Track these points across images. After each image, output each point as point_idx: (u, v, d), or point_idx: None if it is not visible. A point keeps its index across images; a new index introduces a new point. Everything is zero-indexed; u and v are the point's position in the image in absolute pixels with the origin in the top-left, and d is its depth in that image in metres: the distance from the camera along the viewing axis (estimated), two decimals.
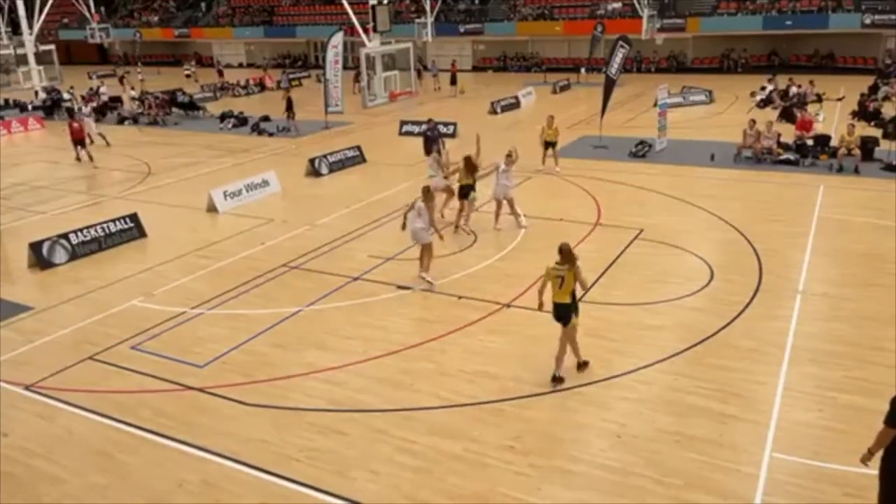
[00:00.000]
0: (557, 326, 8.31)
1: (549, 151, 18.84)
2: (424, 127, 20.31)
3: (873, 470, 5.57)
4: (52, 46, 45.90)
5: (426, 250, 11.57)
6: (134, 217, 14.89)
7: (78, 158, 22.78)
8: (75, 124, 23.07)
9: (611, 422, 7.74)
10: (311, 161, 20.11)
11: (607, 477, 6.85)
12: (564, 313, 8.31)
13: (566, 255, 8.19)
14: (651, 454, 7.15)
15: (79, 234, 13.84)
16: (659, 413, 7.86)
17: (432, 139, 18.83)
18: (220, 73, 45.03)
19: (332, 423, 7.89)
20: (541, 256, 12.53)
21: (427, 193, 11.55)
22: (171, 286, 12.08)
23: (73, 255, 13.57)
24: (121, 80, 44.16)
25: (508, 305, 10.77)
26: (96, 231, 14.12)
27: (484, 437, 7.53)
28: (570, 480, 6.84)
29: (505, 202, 14.22)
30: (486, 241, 13.74)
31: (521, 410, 8.01)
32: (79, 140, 22.71)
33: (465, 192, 14.04)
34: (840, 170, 18.20)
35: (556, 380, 8.48)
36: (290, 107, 26.48)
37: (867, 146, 18.93)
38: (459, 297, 11.12)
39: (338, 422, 7.91)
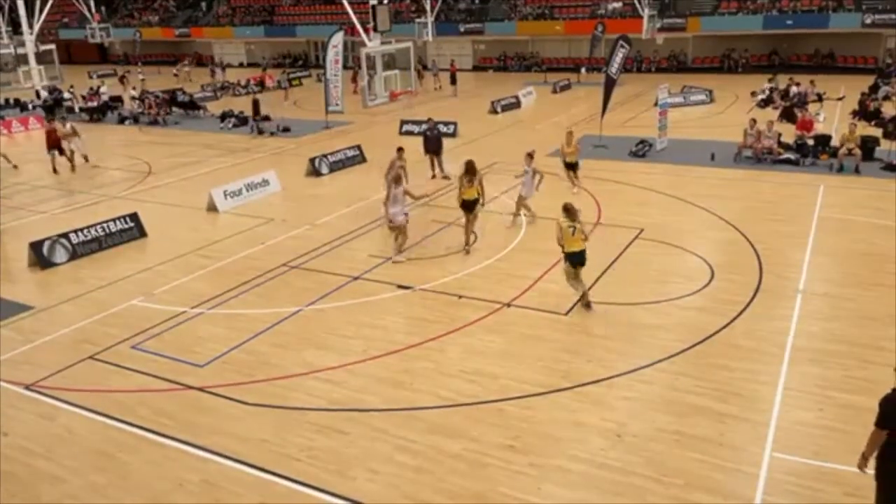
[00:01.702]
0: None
1: (571, 173, 17.00)
2: (424, 126, 20.31)
3: (873, 470, 5.57)
4: (53, 46, 45.91)
5: (401, 231, 12.75)
6: (134, 216, 14.89)
7: (58, 160, 21.33)
8: (49, 128, 21.68)
9: (611, 421, 7.74)
10: (312, 161, 20.12)
11: (607, 476, 6.86)
12: (585, 258, 10.27)
13: (571, 212, 10.23)
14: (651, 454, 7.15)
15: (79, 233, 13.84)
16: (659, 413, 7.86)
17: (432, 139, 18.85)
18: (213, 73, 44.84)
19: (332, 422, 7.90)
20: (541, 256, 12.58)
21: (398, 179, 12.67)
22: (172, 286, 12.08)
23: (74, 255, 13.57)
24: (121, 79, 44.19)
25: (508, 305, 10.77)
26: (96, 231, 14.12)
27: (484, 436, 7.53)
28: (570, 480, 6.84)
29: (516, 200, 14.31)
30: (487, 241, 13.73)
31: (521, 410, 8.01)
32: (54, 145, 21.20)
33: (469, 205, 12.78)
34: (840, 169, 18.19)
35: (588, 304, 10.40)
36: (256, 110, 27.34)
37: (867, 146, 18.93)
38: (459, 297, 11.12)
39: (338, 421, 7.91)
